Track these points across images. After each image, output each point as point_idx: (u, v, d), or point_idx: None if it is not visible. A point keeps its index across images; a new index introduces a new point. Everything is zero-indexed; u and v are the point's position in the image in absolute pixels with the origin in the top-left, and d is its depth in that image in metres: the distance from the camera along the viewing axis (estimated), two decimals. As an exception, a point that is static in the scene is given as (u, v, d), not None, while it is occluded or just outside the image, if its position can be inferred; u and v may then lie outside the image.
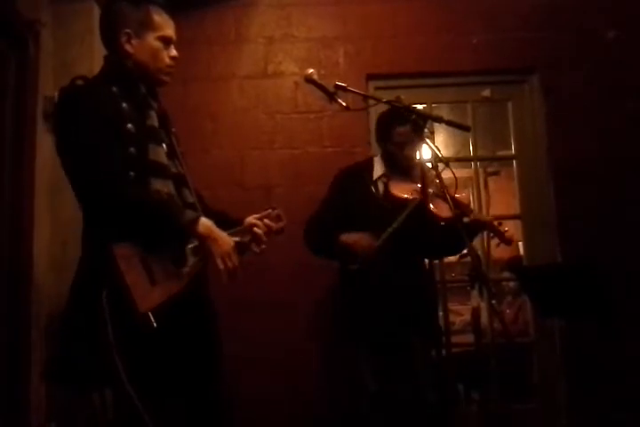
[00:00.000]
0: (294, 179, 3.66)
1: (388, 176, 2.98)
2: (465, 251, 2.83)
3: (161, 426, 1.74)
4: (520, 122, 3.86)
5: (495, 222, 2.90)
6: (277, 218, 2.19)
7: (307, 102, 3.74)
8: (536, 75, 3.82)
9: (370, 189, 2.98)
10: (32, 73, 2.87)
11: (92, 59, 3.00)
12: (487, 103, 3.96)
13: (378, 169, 3.02)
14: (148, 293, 1.75)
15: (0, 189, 2.75)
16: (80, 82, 1.91)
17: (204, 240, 1.85)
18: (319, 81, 2.32)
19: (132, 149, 1.85)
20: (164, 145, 2.01)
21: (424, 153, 2.49)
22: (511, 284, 4.89)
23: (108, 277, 1.73)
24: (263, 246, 2.10)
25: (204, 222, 1.86)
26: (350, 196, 2.97)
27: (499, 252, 4.78)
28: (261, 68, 3.82)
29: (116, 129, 1.84)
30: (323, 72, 3.57)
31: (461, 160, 4.26)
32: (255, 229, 2.08)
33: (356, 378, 2.88)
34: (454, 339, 3.86)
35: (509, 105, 3.91)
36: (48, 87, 2.92)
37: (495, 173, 6.16)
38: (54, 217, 2.91)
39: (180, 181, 2.02)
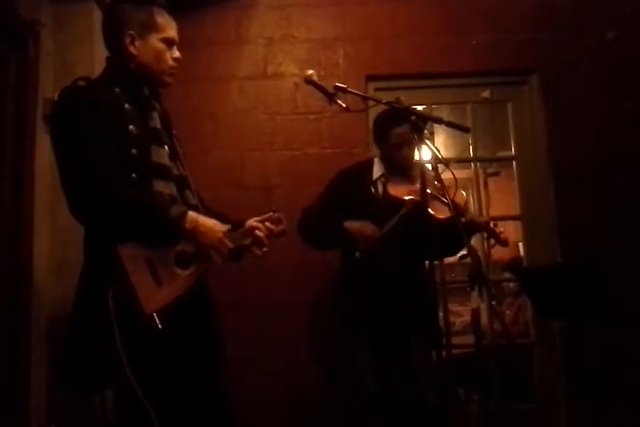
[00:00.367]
0: (294, 180, 3.66)
1: (386, 177, 2.98)
2: (465, 252, 2.82)
3: (166, 426, 1.74)
4: (520, 123, 3.86)
5: (491, 224, 2.90)
6: (278, 221, 2.20)
7: (306, 103, 3.74)
8: (536, 75, 3.82)
9: (369, 190, 2.98)
10: (32, 74, 2.87)
11: (92, 60, 3.00)
12: (487, 104, 3.96)
13: (377, 170, 3.03)
14: (154, 294, 1.75)
15: (1, 191, 2.75)
16: (82, 82, 1.91)
17: (193, 235, 1.85)
18: (319, 82, 2.32)
19: (133, 151, 1.86)
20: (167, 147, 2.01)
21: (424, 154, 2.49)
22: (511, 285, 4.88)
23: (114, 277, 1.73)
24: (265, 249, 2.11)
25: (191, 216, 1.85)
26: (350, 195, 2.97)
27: (499, 253, 4.79)
28: (261, 68, 3.82)
29: (118, 130, 1.85)
30: (322, 73, 3.57)
31: (461, 161, 4.26)
32: (256, 231, 2.08)
33: (356, 378, 2.88)
34: (454, 340, 3.86)
35: (509, 106, 3.91)
36: (48, 88, 2.92)
37: (495, 174, 6.15)
38: (54, 219, 2.90)
39: (182, 183, 2.02)
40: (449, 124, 2.21)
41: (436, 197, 2.69)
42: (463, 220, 2.77)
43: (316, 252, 3.08)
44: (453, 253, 3.00)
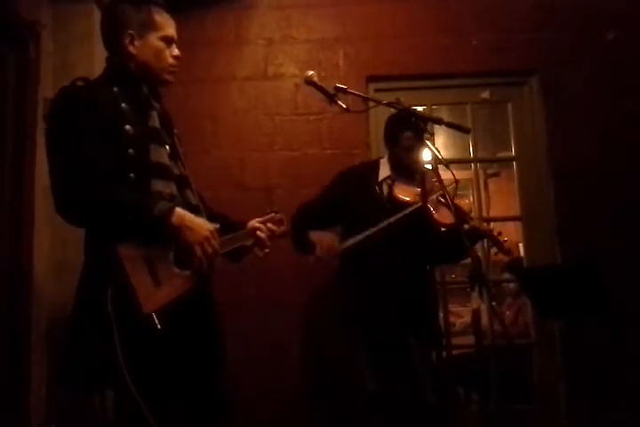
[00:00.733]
0: (294, 180, 3.66)
1: (393, 179, 2.98)
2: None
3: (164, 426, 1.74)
4: (520, 123, 3.86)
5: (495, 232, 2.90)
6: (280, 222, 2.20)
7: (306, 104, 3.74)
8: (536, 76, 3.82)
9: (374, 190, 2.98)
10: (32, 74, 2.87)
11: (92, 60, 3.00)
12: (487, 105, 3.96)
13: (384, 171, 3.03)
14: (153, 294, 1.75)
15: (0, 191, 2.75)
16: (80, 83, 1.92)
17: (179, 231, 1.81)
18: (319, 83, 2.32)
19: (130, 151, 1.85)
20: (167, 146, 2.00)
21: (424, 155, 2.49)
22: (511, 285, 4.88)
23: (113, 277, 1.73)
24: (267, 250, 2.11)
25: (178, 212, 1.82)
26: (351, 195, 2.97)
27: (499, 253, 4.78)
28: (261, 69, 3.82)
29: (114, 130, 1.85)
30: (322, 74, 3.57)
31: (461, 162, 4.26)
32: (258, 232, 2.08)
33: (356, 378, 2.88)
34: (454, 340, 3.86)
35: (509, 106, 3.91)
36: (48, 89, 2.92)
37: (495, 175, 6.16)
38: (54, 219, 2.89)
39: (182, 183, 2.02)
40: (449, 125, 2.21)
41: (440, 202, 2.70)
42: (467, 226, 2.77)
43: None
44: (455, 260, 3.01)
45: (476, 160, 3.90)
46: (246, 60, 3.83)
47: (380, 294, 2.82)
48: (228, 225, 2.12)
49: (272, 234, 2.12)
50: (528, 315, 3.97)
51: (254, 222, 2.11)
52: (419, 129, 2.23)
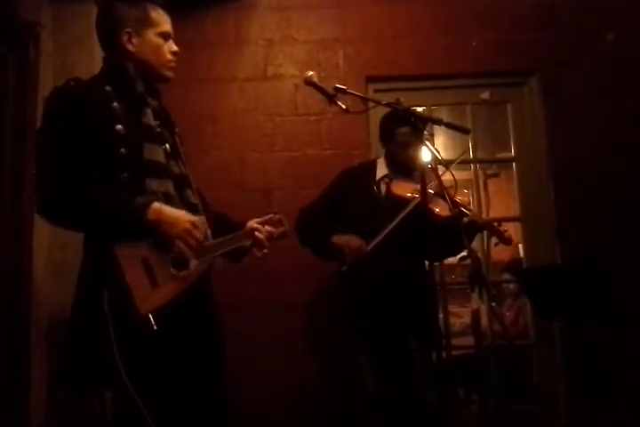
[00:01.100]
0: (294, 181, 3.66)
1: (390, 177, 2.99)
2: (465, 253, 2.83)
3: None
4: (519, 124, 3.87)
5: (494, 223, 2.90)
6: (279, 223, 2.20)
7: (306, 105, 3.74)
8: (535, 76, 3.82)
9: (372, 189, 2.99)
10: (32, 75, 2.87)
11: (92, 61, 3.00)
12: (487, 105, 3.97)
13: (381, 170, 3.03)
14: (149, 295, 1.75)
15: (0, 192, 2.75)
16: (73, 83, 1.91)
17: (157, 226, 1.79)
18: (319, 83, 2.32)
19: (122, 150, 1.84)
20: (167, 145, 2.00)
21: (421, 152, 2.49)
22: (511, 286, 4.88)
23: (110, 277, 1.73)
24: (265, 251, 2.11)
25: (154, 207, 1.79)
26: (350, 195, 2.97)
27: (498, 254, 4.79)
28: (261, 70, 3.83)
29: (104, 131, 1.84)
30: (322, 74, 3.57)
31: (461, 162, 4.26)
32: (256, 233, 2.08)
33: (356, 378, 2.88)
34: (454, 341, 3.86)
35: (509, 107, 3.91)
36: (48, 89, 2.90)
37: (495, 176, 6.16)
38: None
39: (182, 182, 2.01)
40: (448, 126, 2.21)
41: (438, 196, 2.70)
42: (466, 219, 2.77)
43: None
44: (455, 253, 3.00)
45: (475, 161, 3.90)
46: (246, 61, 3.83)
47: (380, 294, 2.82)
48: (228, 226, 2.12)
49: (270, 235, 2.12)
50: (528, 315, 3.97)
51: (252, 223, 2.11)
52: (415, 125, 2.23)
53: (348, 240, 2.82)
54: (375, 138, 3.33)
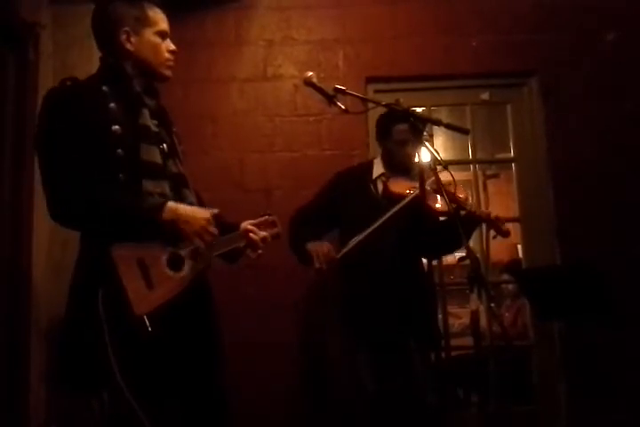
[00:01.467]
0: (294, 181, 3.66)
1: (387, 175, 2.99)
2: (464, 254, 2.83)
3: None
4: (519, 124, 3.87)
5: (492, 215, 2.90)
6: (273, 224, 2.20)
7: (306, 105, 3.74)
8: (535, 77, 3.82)
9: (369, 189, 2.99)
10: (32, 75, 2.87)
11: (92, 61, 2.98)
12: (486, 106, 3.97)
13: (377, 169, 3.04)
14: (145, 296, 1.75)
15: (0, 191, 2.75)
16: (69, 82, 1.91)
17: (174, 225, 1.80)
18: (318, 84, 2.32)
19: (119, 151, 1.83)
20: (164, 144, 1.99)
21: (423, 156, 2.49)
22: (510, 286, 4.88)
23: (105, 278, 1.73)
24: (260, 251, 2.11)
25: (169, 206, 1.81)
26: (348, 196, 2.97)
27: (498, 254, 4.79)
28: (261, 70, 3.83)
29: (100, 131, 1.83)
30: (322, 75, 3.57)
31: (460, 163, 4.26)
32: (250, 235, 2.08)
33: (356, 378, 2.88)
34: (453, 342, 3.86)
35: (508, 108, 3.91)
36: (48, 89, 2.92)
37: (494, 176, 6.16)
38: (53, 219, 2.90)
39: (178, 181, 2.00)
40: (448, 126, 2.21)
41: (436, 192, 2.69)
42: (464, 212, 2.77)
43: None
44: (454, 249, 3.00)
45: (475, 161, 3.90)
46: (246, 61, 3.83)
47: (380, 294, 2.82)
48: (223, 226, 2.11)
49: (264, 237, 2.11)
50: (527, 316, 3.97)
51: (246, 224, 2.11)
52: (412, 123, 2.23)
53: (317, 248, 2.80)
54: (375, 139, 3.33)
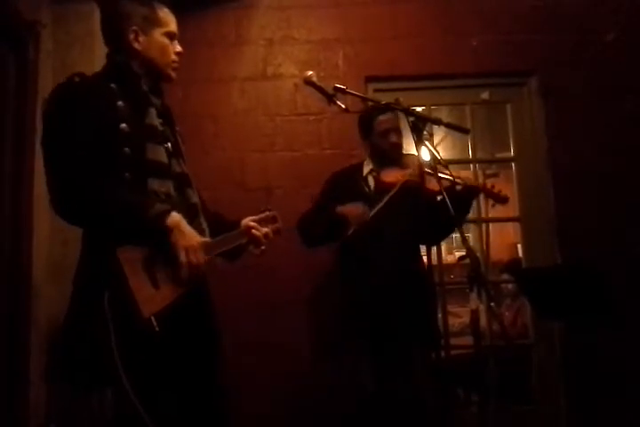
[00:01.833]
0: (294, 180, 3.67)
1: (377, 170, 3.00)
2: (464, 253, 2.84)
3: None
4: (519, 124, 3.87)
5: (488, 184, 2.91)
6: (273, 219, 2.20)
7: (306, 104, 3.74)
8: (535, 77, 3.82)
9: (360, 188, 3.01)
10: (32, 74, 2.87)
11: (93, 60, 3.00)
12: (486, 105, 3.97)
13: (367, 167, 3.05)
14: (152, 297, 1.75)
15: (0, 191, 2.75)
16: (77, 79, 1.90)
17: (171, 232, 1.80)
18: (318, 83, 2.33)
19: (126, 149, 1.83)
20: (169, 144, 1.99)
21: (423, 155, 2.49)
22: (510, 286, 4.88)
23: (111, 280, 1.73)
24: (263, 248, 2.11)
25: (174, 216, 1.81)
26: (342, 197, 2.97)
27: (498, 254, 4.78)
28: (261, 70, 3.83)
29: (109, 128, 1.83)
30: (322, 74, 3.57)
31: (460, 162, 4.26)
32: (253, 231, 2.08)
33: (356, 378, 2.88)
34: (453, 341, 3.86)
35: (508, 107, 3.91)
36: (48, 89, 2.90)
37: (494, 176, 6.13)
38: (54, 219, 2.89)
39: (182, 181, 2.01)
40: (448, 126, 2.21)
41: (429, 174, 2.69)
42: (459, 187, 2.77)
43: (315, 248, 3.08)
44: (452, 230, 2.99)
45: (475, 161, 3.90)
46: (246, 61, 3.84)
47: (380, 293, 2.82)
48: (224, 224, 2.11)
49: (266, 233, 2.12)
50: (527, 316, 3.97)
51: (248, 221, 2.10)
52: (412, 126, 2.22)
53: (350, 207, 2.84)
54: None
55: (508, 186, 4.10)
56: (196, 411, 1.90)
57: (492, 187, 2.89)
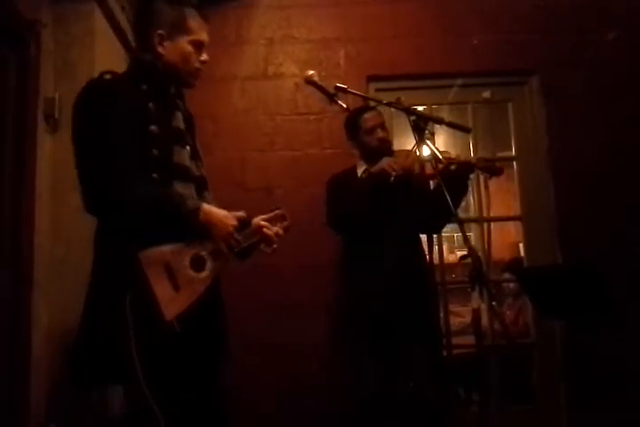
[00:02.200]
0: (295, 180, 3.67)
1: (369, 169, 3.00)
2: (466, 252, 2.83)
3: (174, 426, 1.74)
4: (520, 123, 3.87)
5: (482, 160, 2.91)
6: (282, 217, 2.22)
7: (307, 104, 3.74)
8: (536, 76, 3.82)
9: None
10: (33, 74, 2.86)
11: (93, 60, 3.00)
12: (487, 104, 3.97)
13: (360, 168, 3.05)
14: (173, 299, 1.76)
15: (1, 191, 2.75)
16: (108, 76, 1.90)
17: (205, 227, 1.85)
18: (319, 82, 2.33)
19: (155, 151, 1.84)
20: (188, 147, 2.00)
21: (424, 154, 2.48)
22: (511, 285, 4.88)
23: (133, 283, 1.73)
24: (274, 246, 2.11)
25: (204, 210, 1.85)
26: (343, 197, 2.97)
27: (499, 253, 4.78)
28: (262, 69, 3.83)
29: (139, 128, 1.84)
30: (323, 73, 3.57)
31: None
32: (265, 230, 2.08)
33: (357, 378, 2.88)
34: (455, 340, 3.86)
35: (510, 106, 3.92)
36: (49, 88, 2.92)
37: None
38: (55, 218, 2.90)
39: (201, 184, 2.02)
40: (450, 125, 2.21)
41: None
42: (454, 167, 2.77)
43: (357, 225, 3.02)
44: (451, 213, 2.99)
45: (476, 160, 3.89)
46: (247, 60, 3.84)
47: (381, 294, 2.82)
48: None
49: (277, 231, 2.13)
50: (528, 315, 3.97)
51: (259, 220, 2.11)
52: (413, 125, 2.21)
53: (387, 160, 2.82)
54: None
55: (509, 185, 4.11)
56: (196, 411, 1.90)
57: (486, 160, 2.89)
